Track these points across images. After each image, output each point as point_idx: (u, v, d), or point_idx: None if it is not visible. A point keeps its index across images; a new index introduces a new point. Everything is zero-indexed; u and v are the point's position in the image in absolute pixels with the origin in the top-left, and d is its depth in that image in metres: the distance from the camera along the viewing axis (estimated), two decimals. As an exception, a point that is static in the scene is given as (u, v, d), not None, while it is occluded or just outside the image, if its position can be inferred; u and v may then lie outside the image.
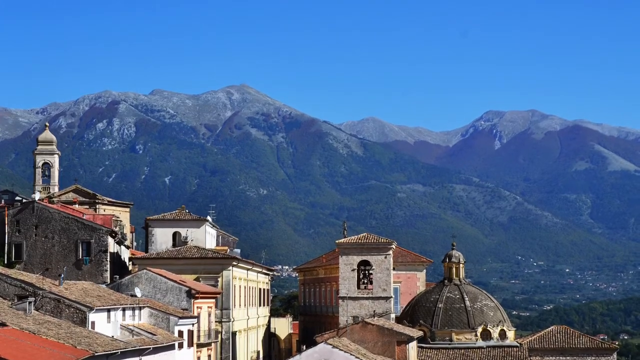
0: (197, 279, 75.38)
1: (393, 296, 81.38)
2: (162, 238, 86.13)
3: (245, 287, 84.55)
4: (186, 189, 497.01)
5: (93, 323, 56.08)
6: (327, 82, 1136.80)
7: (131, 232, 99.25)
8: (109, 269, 75.55)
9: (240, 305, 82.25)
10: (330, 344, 64.51)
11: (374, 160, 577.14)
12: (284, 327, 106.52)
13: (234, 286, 79.08)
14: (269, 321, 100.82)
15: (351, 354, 63.83)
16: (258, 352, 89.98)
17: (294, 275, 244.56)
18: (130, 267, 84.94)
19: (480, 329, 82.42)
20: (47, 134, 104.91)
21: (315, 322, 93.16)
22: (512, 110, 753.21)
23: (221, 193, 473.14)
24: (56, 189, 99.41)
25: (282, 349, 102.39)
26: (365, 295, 79.67)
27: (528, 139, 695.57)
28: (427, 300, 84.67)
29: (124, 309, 60.09)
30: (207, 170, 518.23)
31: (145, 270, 69.23)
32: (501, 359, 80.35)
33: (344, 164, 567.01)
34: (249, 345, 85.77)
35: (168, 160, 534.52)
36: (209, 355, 71.29)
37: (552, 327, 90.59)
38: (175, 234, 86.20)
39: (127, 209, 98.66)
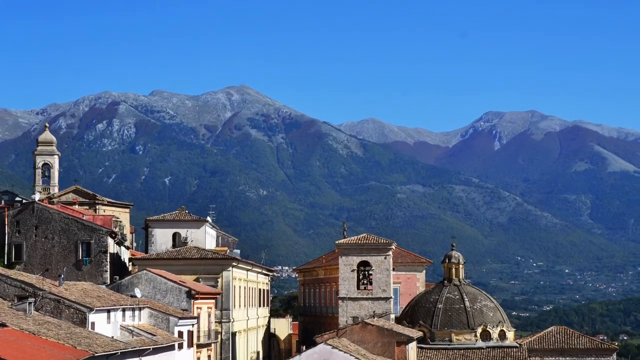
0: (197, 280, 75.42)
1: (393, 297, 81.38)
2: (162, 239, 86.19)
3: (245, 288, 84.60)
4: (186, 189, 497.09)
5: (93, 324, 56.12)
6: (327, 82, 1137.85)
7: (131, 233, 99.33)
8: (108, 270, 75.63)
9: (240, 305, 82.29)
10: (330, 345, 64.53)
11: (374, 161, 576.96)
12: (283, 327, 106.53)
13: (234, 287, 79.13)
14: (269, 322, 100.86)
15: (351, 355, 63.84)
16: (258, 353, 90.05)
17: (293, 276, 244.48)
18: (130, 268, 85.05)
19: (479, 330, 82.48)
20: (47, 135, 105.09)
21: (315, 322, 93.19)
22: (512, 111, 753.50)
23: (221, 194, 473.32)
24: (56, 189, 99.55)
25: (282, 349, 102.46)
26: (365, 296, 79.68)
27: (528, 140, 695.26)
28: (427, 301, 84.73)
29: (123, 310, 60.14)
30: (207, 171, 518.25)
31: (145, 271, 69.26)
32: (501, 359, 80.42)
33: (344, 164, 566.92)
34: (248, 345, 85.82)
35: (168, 161, 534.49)
36: (209, 356, 71.34)
37: (551, 327, 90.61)
38: (175, 235, 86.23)
39: (127, 210, 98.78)
